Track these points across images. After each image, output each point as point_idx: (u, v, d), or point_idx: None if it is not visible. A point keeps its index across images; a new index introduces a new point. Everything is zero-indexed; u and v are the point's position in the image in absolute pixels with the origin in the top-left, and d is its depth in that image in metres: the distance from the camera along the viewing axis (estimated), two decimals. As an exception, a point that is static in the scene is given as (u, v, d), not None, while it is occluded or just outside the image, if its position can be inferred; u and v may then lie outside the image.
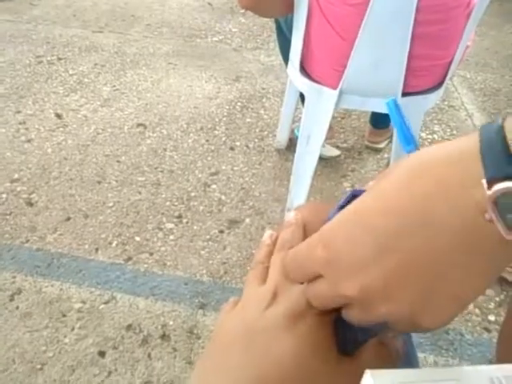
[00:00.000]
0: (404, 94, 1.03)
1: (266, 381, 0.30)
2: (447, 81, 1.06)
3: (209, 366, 0.33)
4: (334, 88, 1.06)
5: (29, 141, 1.66)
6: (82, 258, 1.23)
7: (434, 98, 1.09)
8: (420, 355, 1.04)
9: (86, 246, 1.26)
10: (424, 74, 1.00)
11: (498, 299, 1.19)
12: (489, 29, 2.97)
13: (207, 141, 1.74)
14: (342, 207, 0.38)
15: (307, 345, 0.31)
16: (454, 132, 1.89)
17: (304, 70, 1.11)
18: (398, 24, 0.88)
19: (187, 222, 1.36)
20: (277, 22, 1.49)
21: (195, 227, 1.35)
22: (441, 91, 1.09)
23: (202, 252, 1.26)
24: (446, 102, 2.10)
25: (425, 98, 1.06)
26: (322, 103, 1.11)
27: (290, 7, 1.02)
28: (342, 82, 1.04)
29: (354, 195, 0.40)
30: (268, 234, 0.42)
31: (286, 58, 1.34)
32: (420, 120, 1.14)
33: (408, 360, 0.36)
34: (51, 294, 1.13)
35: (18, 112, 1.82)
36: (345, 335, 0.33)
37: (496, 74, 2.43)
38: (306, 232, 0.42)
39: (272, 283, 0.34)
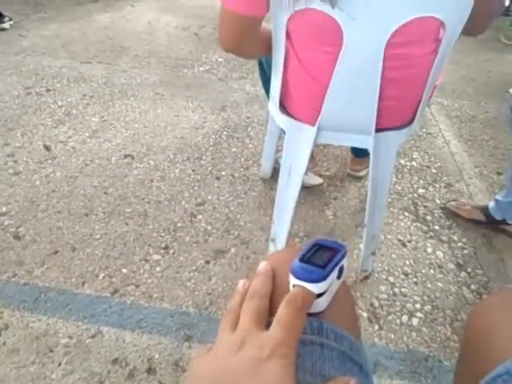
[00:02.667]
0: (378, 130, 1.09)
1: None
2: (418, 117, 1.13)
3: None
4: (312, 125, 1.12)
5: (17, 173, 1.69)
6: (69, 292, 1.24)
7: (406, 133, 1.15)
8: (399, 382, 1.07)
9: (73, 280, 1.28)
10: (394, 113, 1.06)
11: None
12: (465, 57, 3.11)
13: (194, 171, 1.79)
14: (302, 257, 0.42)
15: None
16: (432, 159, 1.96)
17: (284, 107, 1.17)
18: (368, 70, 0.95)
19: (174, 253, 1.39)
20: (258, 59, 1.56)
21: (181, 258, 1.37)
22: (413, 126, 1.15)
23: (188, 283, 1.29)
24: (424, 130, 2.19)
25: (397, 134, 1.12)
26: (302, 139, 1.17)
27: (269, 51, 1.08)
28: (319, 120, 1.09)
29: (316, 244, 0.45)
30: (241, 282, 0.46)
31: (267, 92, 1.40)
32: (394, 153, 1.20)
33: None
34: (38, 328, 1.14)
35: (7, 144, 1.85)
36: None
37: (472, 101, 2.53)
38: (275, 279, 0.46)
39: (241, 330, 0.38)
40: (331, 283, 0.41)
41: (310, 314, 0.41)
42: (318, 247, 0.44)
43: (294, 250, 0.48)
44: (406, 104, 1.06)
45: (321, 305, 0.41)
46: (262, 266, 0.46)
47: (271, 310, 0.40)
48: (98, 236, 1.43)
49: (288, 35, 0.97)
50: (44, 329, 1.14)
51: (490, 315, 0.52)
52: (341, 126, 1.13)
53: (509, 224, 1.49)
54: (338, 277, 0.42)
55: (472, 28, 0.93)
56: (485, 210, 1.53)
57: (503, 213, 1.48)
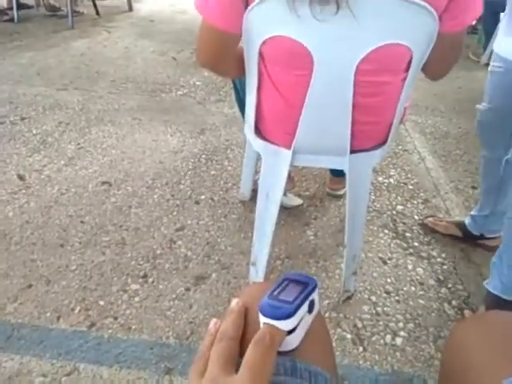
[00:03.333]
0: (352, 152, 1.10)
1: None
2: (391, 138, 1.15)
3: None
4: (288, 148, 1.12)
5: (-11, 205, 1.64)
6: (44, 328, 1.19)
7: (380, 153, 1.16)
8: (385, 407, 1.05)
9: (48, 314, 1.23)
10: (368, 135, 1.08)
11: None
12: (435, 75, 3.20)
13: (173, 196, 1.77)
14: (271, 294, 0.41)
15: None
16: (409, 175, 1.99)
17: (259, 130, 1.17)
18: (339, 95, 0.96)
19: (153, 282, 1.36)
20: (233, 82, 1.57)
21: (161, 286, 1.34)
22: (386, 147, 1.17)
23: (168, 312, 1.26)
24: (400, 147, 2.23)
25: (371, 155, 1.14)
26: (278, 162, 1.17)
27: (242, 72, 1.09)
28: (294, 144, 1.10)
29: (286, 279, 0.44)
30: (213, 322, 0.45)
31: (243, 115, 1.41)
32: (369, 173, 1.21)
33: None
34: (11, 368, 1.09)
35: (-21, 175, 1.81)
36: None
37: (444, 118, 2.61)
38: (247, 317, 0.45)
39: (209, 376, 0.37)
40: (302, 318, 0.40)
41: (282, 353, 0.40)
42: (288, 282, 0.43)
43: (268, 284, 0.47)
44: (379, 127, 1.08)
45: (292, 342, 0.40)
46: (234, 304, 0.45)
47: (243, 350, 0.39)
48: (73, 267, 1.39)
49: (262, 57, 0.98)
50: (17, 368, 1.09)
51: (464, 347, 0.52)
52: (316, 149, 1.14)
53: (486, 238, 1.51)
54: (310, 311, 0.42)
55: (432, 73, 1.03)
56: (461, 225, 1.55)
57: (480, 228, 1.50)
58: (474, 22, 4.48)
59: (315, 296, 0.43)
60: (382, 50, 0.88)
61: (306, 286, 0.42)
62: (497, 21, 3.41)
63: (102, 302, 1.27)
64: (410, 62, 0.95)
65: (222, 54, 1.01)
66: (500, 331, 0.51)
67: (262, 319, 0.39)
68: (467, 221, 1.54)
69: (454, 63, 1.03)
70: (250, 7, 0.87)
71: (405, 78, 0.99)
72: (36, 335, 1.17)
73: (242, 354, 0.39)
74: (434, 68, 1.02)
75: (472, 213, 1.53)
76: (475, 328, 0.55)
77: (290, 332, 0.39)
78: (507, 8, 1.17)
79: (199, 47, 1.01)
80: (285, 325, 0.38)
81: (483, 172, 1.43)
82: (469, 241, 1.55)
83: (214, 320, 0.45)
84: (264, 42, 0.93)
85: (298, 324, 0.40)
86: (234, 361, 0.38)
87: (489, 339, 0.51)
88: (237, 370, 0.37)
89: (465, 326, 0.58)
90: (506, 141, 1.09)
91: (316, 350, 0.44)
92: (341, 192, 1.79)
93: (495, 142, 1.28)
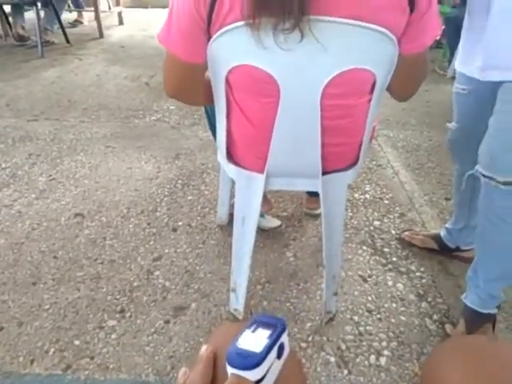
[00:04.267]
0: (325, 173, 1.11)
1: None
2: (362, 157, 1.16)
3: None
4: (261, 173, 1.12)
5: (-44, 245, 1.58)
6: (16, 373, 1.14)
7: (352, 174, 1.17)
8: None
9: (21, 359, 1.18)
10: (339, 157, 1.09)
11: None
12: (404, 89, 3.29)
13: (149, 224, 1.74)
14: (239, 339, 0.40)
15: None
16: (384, 190, 2.02)
17: (231, 156, 1.17)
18: (307, 119, 0.97)
19: (130, 316, 1.32)
20: (204, 107, 1.58)
21: (139, 321, 1.30)
22: (358, 167, 1.18)
23: (147, 348, 1.22)
24: (374, 162, 2.26)
25: (343, 175, 1.15)
26: (252, 187, 1.17)
27: (211, 100, 1.09)
28: (266, 168, 1.10)
29: (254, 322, 0.43)
30: (182, 372, 0.43)
31: (215, 139, 1.41)
32: (343, 193, 1.22)
33: None
34: (-20, 420, 1.03)
35: None
36: None
37: (415, 131, 2.67)
38: (216, 364, 0.44)
39: None
40: (271, 365, 0.39)
41: (252, 402, 0.39)
42: (257, 325, 0.42)
43: (240, 325, 0.45)
44: (349, 148, 1.09)
45: (262, 391, 0.39)
46: (203, 351, 0.44)
47: None
48: (47, 306, 1.34)
49: (229, 85, 0.98)
50: (-13, 420, 1.03)
51: (440, 368, 0.52)
52: (289, 172, 1.14)
53: (462, 250, 1.53)
54: (279, 356, 0.40)
55: (401, 93, 1.05)
56: (437, 238, 1.57)
57: (455, 240, 1.52)
58: (438, 37, 4.66)
59: (285, 338, 0.41)
60: (346, 74, 0.89)
61: (274, 329, 0.41)
62: (459, 35, 3.55)
63: (77, 342, 1.23)
64: (374, 85, 0.97)
65: (188, 83, 1.01)
66: (474, 356, 0.52)
67: (229, 370, 0.38)
68: (442, 233, 1.56)
69: (422, 80, 1.05)
70: (212, 38, 0.88)
71: (370, 100, 1.00)
72: (8, 382, 1.11)
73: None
74: (402, 88, 1.04)
75: (447, 225, 1.55)
76: (452, 352, 0.55)
77: (259, 382, 0.38)
78: (464, 24, 1.21)
79: (165, 78, 1.01)
80: (253, 375, 0.37)
81: (455, 185, 1.46)
82: (445, 253, 1.57)
83: (182, 369, 0.44)
84: (230, 71, 0.94)
85: (266, 372, 0.38)
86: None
87: (463, 363, 0.51)
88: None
89: (443, 349, 0.58)
90: (475, 157, 1.12)
91: (289, 395, 0.42)
92: (318, 211, 1.79)
93: (465, 158, 1.30)
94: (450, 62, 3.66)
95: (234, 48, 0.89)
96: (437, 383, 0.52)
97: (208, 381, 0.40)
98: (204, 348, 0.44)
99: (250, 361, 0.37)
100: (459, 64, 1.23)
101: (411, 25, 0.86)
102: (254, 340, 0.39)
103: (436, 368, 0.53)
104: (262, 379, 0.38)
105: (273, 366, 0.39)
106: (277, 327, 0.41)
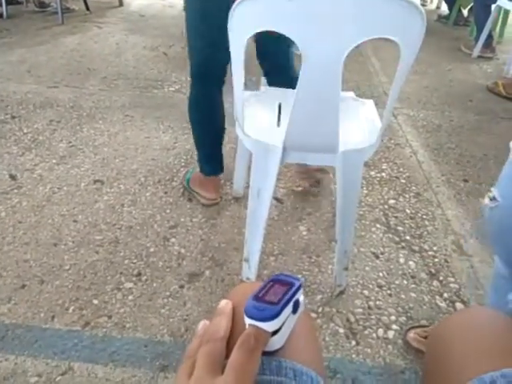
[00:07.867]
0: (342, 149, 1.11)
1: None
2: (380, 134, 1.15)
3: None
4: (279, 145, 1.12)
5: (-19, 205, 1.63)
6: (38, 328, 1.20)
7: (369, 151, 1.17)
8: (377, 399, 1.07)
9: (42, 315, 1.23)
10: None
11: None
12: (428, 67, 3.21)
13: (165, 193, 1.77)
14: (256, 295, 0.42)
15: None
16: (401, 169, 2.00)
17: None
18: (328, 87, 0.96)
19: (146, 280, 1.36)
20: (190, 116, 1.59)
21: (155, 284, 1.35)
22: (375, 144, 1.17)
23: (162, 310, 1.26)
24: (392, 141, 2.24)
25: (361, 151, 1.15)
26: (269, 160, 1.17)
27: None
28: (284, 140, 1.10)
29: (271, 281, 0.44)
30: (201, 324, 0.45)
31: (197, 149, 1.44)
32: (360, 170, 1.21)
33: None
34: (6, 369, 1.09)
35: (-30, 175, 1.80)
36: None
37: (436, 111, 2.61)
38: (235, 318, 0.46)
39: (195, 379, 0.38)
40: (286, 319, 0.41)
41: (267, 353, 0.41)
42: (273, 283, 0.43)
43: (256, 284, 0.47)
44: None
45: (277, 342, 0.41)
46: (222, 304, 0.46)
47: (230, 351, 0.40)
48: (67, 267, 1.39)
49: None
50: (12, 368, 1.09)
51: (446, 337, 0.53)
52: (306, 146, 1.14)
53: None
54: (294, 311, 0.42)
55: None
56: None
57: None
58: (465, 14, 4.48)
59: (300, 296, 0.43)
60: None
61: (291, 286, 0.43)
62: (488, 13, 3.41)
63: (95, 301, 1.28)
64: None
65: None
66: (480, 327, 0.53)
67: (247, 321, 0.40)
68: None
69: None
70: (235, 4, 0.87)
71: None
72: (30, 335, 1.18)
73: (228, 355, 0.39)
74: None
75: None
76: (458, 321, 0.56)
77: (275, 333, 0.40)
78: None
79: None
80: (269, 326, 0.39)
81: (492, 285, 1.02)
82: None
83: (202, 321, 0.46)
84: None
85: (282, 325, 0.40)
86: (221, 362, 0.38)
87: (467, 334, 0.52)
88: (223, 371, 0.37)
89: (451, 320, 0.59)
90: None
91: (302, 350, 0.44)
92: (300, 189, 1.81)
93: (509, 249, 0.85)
94: (476, 40, 3.54)
95: (256, 14, 0.89)
96: (442, 352, 0.53)
97: (227, 331, 0.42)
98: (223, 301, 0.46)
99: (268, 313, 0.39)
100: None
101: None
102: (271, 294, 0.41)
103: (441, 336, 0.55)
104: (277, 331, 0.40)
105: (288, 319, 0.41)
106: (294, 284, 0.43)
